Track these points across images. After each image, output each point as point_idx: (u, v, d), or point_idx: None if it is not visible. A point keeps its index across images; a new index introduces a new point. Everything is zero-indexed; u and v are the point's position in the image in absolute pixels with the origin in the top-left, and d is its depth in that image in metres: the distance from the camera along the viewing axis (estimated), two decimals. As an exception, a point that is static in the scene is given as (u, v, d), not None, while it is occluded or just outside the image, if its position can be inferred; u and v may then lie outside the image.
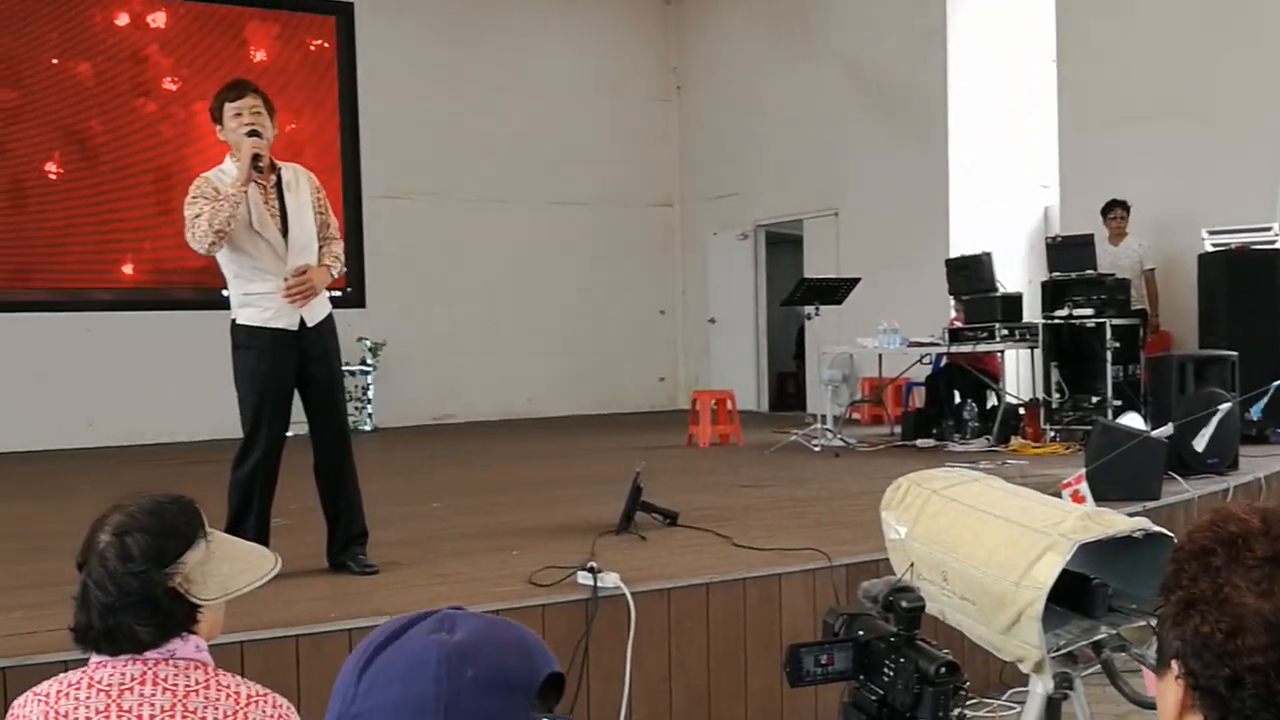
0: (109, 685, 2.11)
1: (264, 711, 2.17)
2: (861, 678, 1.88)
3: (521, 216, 13.99)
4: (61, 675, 2.14)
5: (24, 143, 11.86)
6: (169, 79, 12.49)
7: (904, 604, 1.89)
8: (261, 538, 4.93)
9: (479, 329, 13.67)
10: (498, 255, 13.80)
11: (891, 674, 1.82)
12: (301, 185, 5.11)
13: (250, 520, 4.97)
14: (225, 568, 2.24)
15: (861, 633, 1.89)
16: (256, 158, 4.84)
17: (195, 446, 11.17)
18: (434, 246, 13.26)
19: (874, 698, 1.86)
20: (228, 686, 2.17)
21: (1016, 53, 12.03)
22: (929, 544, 2.84)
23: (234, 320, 5.02)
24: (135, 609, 2.12)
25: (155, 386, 11.87)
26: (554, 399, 14.08)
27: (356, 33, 13.26)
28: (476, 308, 13.66)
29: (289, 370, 5.02)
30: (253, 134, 4.87)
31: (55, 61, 12.01)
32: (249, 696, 2.18)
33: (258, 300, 4.97)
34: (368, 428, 12.38)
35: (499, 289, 13.82)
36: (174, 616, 2.16)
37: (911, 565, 2.62)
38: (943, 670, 1.76)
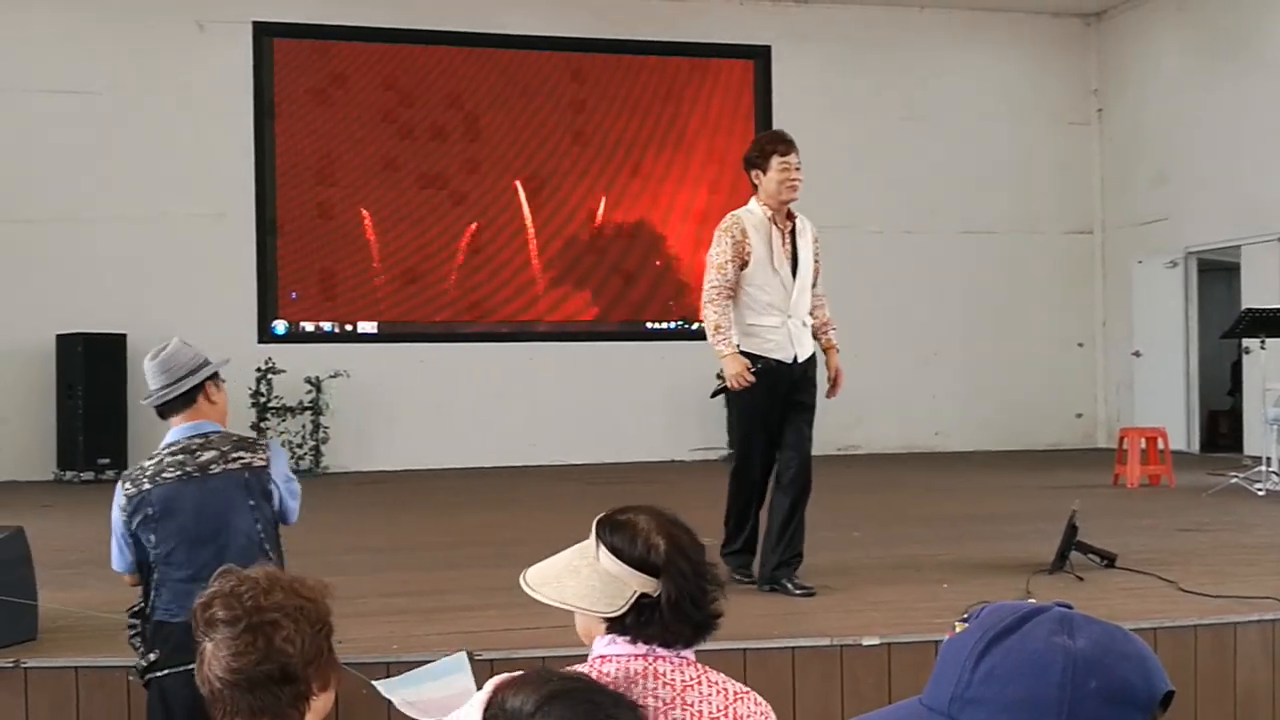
0: (616, 678, 2.24)
1: (749, 709, 2.30)
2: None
3: (932, 246, 13.93)
4: (569, 669, 2.26)
5: (481, 190, 13.03)
6: (603, 127, 13.36)
7: None
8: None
9: (887, 360, 13.65)
10: (907, 285, 13.79)
11: None
12: (807, 232, 5.64)
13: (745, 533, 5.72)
14: None
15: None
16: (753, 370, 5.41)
17: (622, 468, 11.87)
18: (843, 278, 13.31)
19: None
20: (716, 683, 2.30)
21: None
22: None
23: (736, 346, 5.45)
24: (711, 614, 2.33)
25: (587, 411, 12.70)
26: (961, 433, 13.87)
27: (773, 72, 13.68)
28: (885, 339, 13.65)
29: (780, 396, 5.50)
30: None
31: (504, 114, 13.12)
32: (735, 694, 2.30)
33: (761, 331, 5.47)
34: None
35: (908, 320, 13.78)
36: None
37: None
38: None
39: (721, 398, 5.70)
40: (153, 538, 3.58)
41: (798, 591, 5.35)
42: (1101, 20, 14.57)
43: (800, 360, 5.54)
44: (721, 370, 5.51)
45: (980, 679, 1.22)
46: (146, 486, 3.59)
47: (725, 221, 5.53)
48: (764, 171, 5.46)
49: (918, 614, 4.83)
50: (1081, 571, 5.59)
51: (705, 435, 12.52)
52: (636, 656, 2.29)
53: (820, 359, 5.79)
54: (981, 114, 14.07)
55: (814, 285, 5.72)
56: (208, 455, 3.63)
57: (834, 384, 5.79)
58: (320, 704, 2.07)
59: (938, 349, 13.88)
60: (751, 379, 5.38)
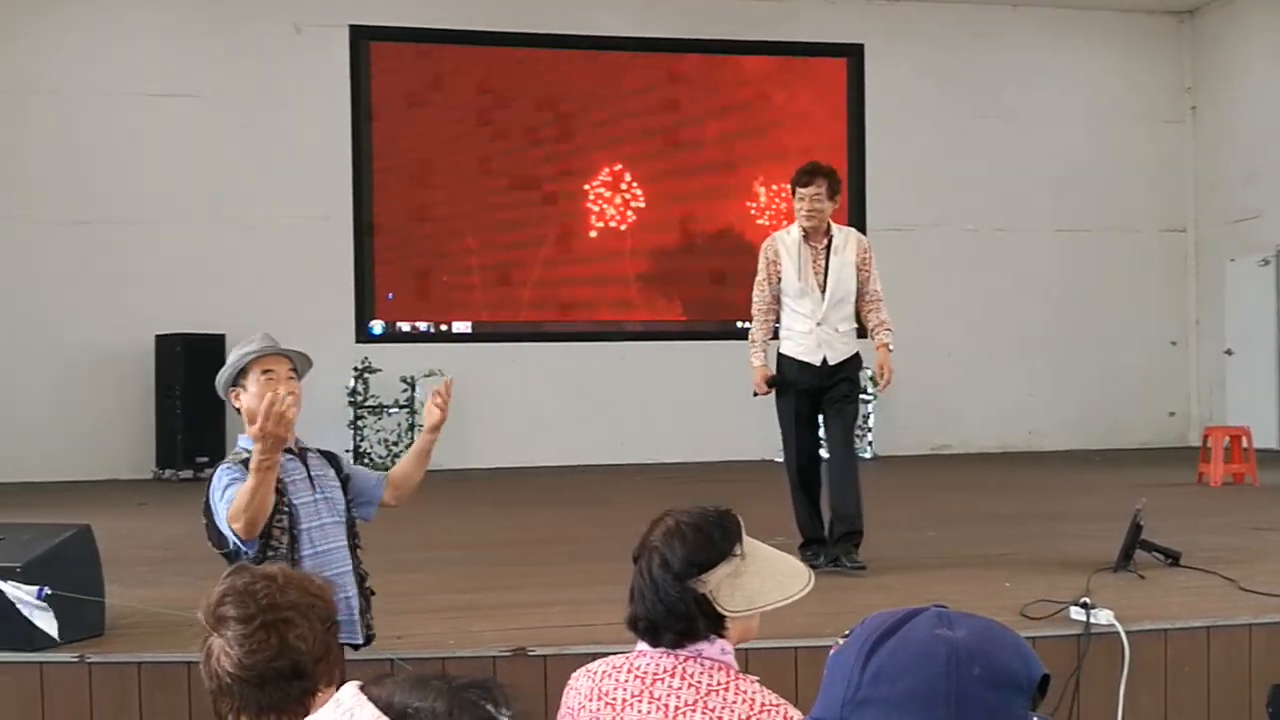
0: (645, 673, 2.36)
1: None
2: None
3: (1026, 244, 13.84)
4: (610, 658, 2.45)
5: (574, 190, 13.24)
6: (695, 127, 13.50)
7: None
8: None
9: (979, 360, 13.61)
10: (999, 284, 13.72)
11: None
12: (849, 247, 6.09)
13: None
14: (755, 583, 2.39)
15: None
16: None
17: (712, 467, 11.99)
18: (935, 277, 13.38)
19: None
20: (745, 692, 2.32)
21: None
22: None
23: (778, 348, 6.19)
24: (666, 611, 2.35)
25: (677, 410, 12.82)
26: (1054, 433, 13.74)
27: (865, 71, 13.68)
28: (977, 338, 13.62)
29: (810, 395, 6.09)
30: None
31: (597, 114, 13.31)
32: (763, 705, 2.31)
33: (794, 336, 6.10)
34: (868, 455, 12.63)
35: (1000, 318, 13.71)
36: (696, 623, 2.35)
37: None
38: None
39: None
40: None
41: (850, 566, 5.85)
42: (1194, 18, 14.33)
43: (830, 363, 6.06)
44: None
45: (869, 679, 1.27)
46: None
47: (764, 242, 6.30)
48: (793, 199, 6.12)
49: (976, 612, 4.86)
50: (1144, 570, 5.61)
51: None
52: (668, 654, 2.37)
53: (870, 359, 6.36)
54: (1074, 112, 13.94)
55: (865, 292, 6.14)
56: None
57: (881, 381, 6.20)
58: (324, 699, 2.01)
59: (1031, 348, 13.77)
60: (766, 390, 6.10)
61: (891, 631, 1.30)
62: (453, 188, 13.00)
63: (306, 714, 2.05)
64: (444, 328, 12.95)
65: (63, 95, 11.96)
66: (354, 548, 3.86)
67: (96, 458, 11.71)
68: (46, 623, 4.05)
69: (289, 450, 3.71)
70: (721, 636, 2.39)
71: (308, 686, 2.06)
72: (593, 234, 13.25)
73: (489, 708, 1.20)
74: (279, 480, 3.58)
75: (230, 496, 3.50)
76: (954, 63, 13.76)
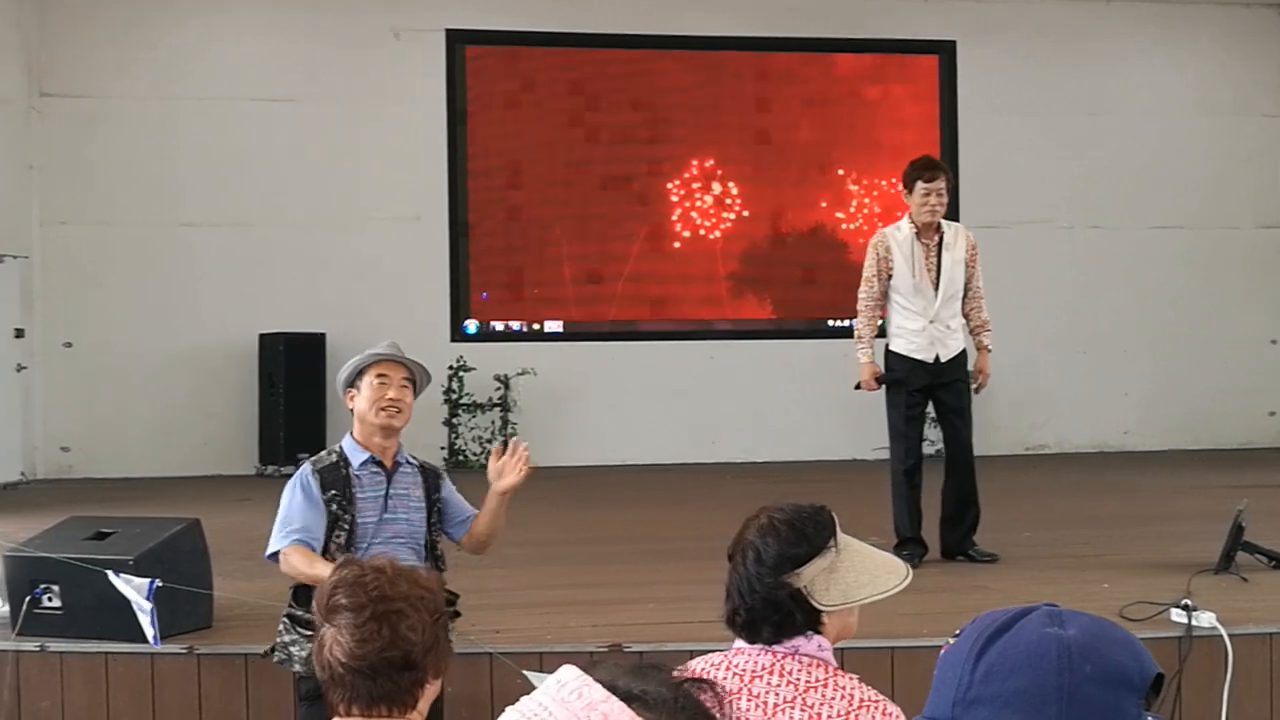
0: (743, 670, 2.35)
1: (873, 717, 2.29)
2: None
3: (1119, 242, 13.60)
4: (708, 656, 2.46)
5: (664, 189, 13.23)
6: (786, 125, 13.46)
7: None
8: None
9: (1074, 359, 13.41)
10: (1094, 282, 13.50)
11: None
12: (959, 244, 6.13)
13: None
14: (850, 577, 2.38)
15: None
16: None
17: (804, 466, 11.97)
18: (1030, 274, 13.19)
19: None
20: (844, 688, 2.32)
21: None
22: None
23: (886, 346, 6.28)
24: (762, 606, 2.38)
25: (768, 409, 12.79)
26: (1150, 432, 13.50)
27: (958, 67, 13.55)
28: (1070, 335, 13.41)
29: (922, 392, 6.19)
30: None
31: (687, 114, 13.30)
32: (861, 700, 2.30)
33: (906, 334, 6.16)
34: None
35: (1095, 317, 13.48)
36: (794, 617, 2.36)
37: None
38: None
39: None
40: None
41: (981, 558, 6.07)
42: (1294, 10, 13.97)
43: (943, 360, 6.11)
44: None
45: (980, 678, 1.28)
46: None
47: (874, 238, 6.26)
48: (910, 193, 6.06)
49: (1073, 613, 4.82)
50: (1247, 572, 5.52)
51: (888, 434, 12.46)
52: (765, 651, 2.38)
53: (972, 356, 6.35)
54: (1170, 107, 13.67)
55: (969, 288, 6.17)
56: None
57: (978, 383, 6.28)
58: (431, 691, 2.13)
59: (1127, 346, 13.54)
60: (875, 387, 6.16)
61: (1003, 630, 1.31)
62: (545, 188, 13.09)
63: (415, 706, 2.11)
64: (536, 327, 13.06)
65: (168, 102, 12.27)
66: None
67: (201, 454, 11.99)
68: (145, 624, 4.18)
69: (378, 463, 3.83)
70: (818, 633, 2.39)
71: (418, 678, 2.09)
72: (684, 232, 13.26)
73: (705, 701, 1.26)
74: (349, 491, 3.79)
75: (288, 518, 3.76)
76: (1047, 58, 13.56)
